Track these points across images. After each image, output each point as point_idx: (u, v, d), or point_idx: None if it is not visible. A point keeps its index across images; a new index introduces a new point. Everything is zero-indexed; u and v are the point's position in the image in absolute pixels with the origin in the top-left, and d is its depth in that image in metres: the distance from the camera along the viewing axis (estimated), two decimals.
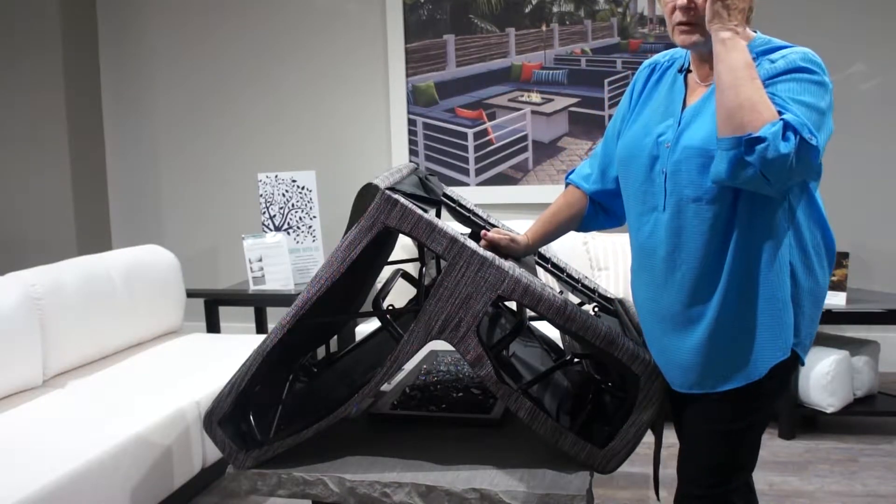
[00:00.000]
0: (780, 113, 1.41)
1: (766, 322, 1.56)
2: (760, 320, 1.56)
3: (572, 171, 1.95)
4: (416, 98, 4.44)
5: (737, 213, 1.54)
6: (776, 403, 1.67)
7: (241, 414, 1.88)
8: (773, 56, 1.53)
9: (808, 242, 1.58)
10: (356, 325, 3.68)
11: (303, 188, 4.02)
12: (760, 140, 1.38)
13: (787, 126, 1.38)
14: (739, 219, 1.54)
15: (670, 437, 1.93)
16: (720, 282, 1.56)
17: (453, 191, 2.17)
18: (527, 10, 4.29)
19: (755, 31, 1.61)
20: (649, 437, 1.76)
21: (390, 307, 2.02)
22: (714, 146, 1.50)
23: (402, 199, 1.70)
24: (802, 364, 1.64)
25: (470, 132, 4.40)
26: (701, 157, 1.53)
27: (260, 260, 3.84)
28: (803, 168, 1.42)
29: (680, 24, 1.57)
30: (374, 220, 1.70)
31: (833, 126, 1.53)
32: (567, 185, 1.95)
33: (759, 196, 1.51)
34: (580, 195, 1.91)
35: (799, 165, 1.40)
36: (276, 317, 4.50)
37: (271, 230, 3.99)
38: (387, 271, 3.18)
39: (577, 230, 1.95)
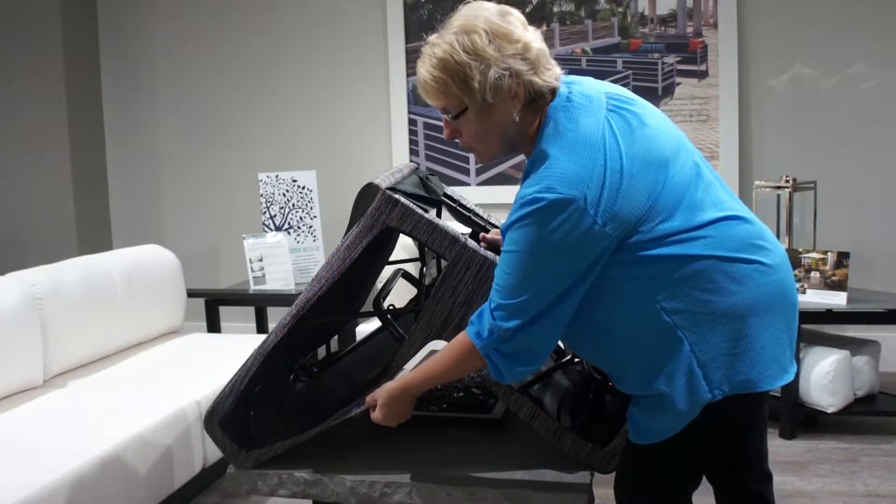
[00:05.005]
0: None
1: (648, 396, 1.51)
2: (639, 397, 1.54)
3: None
4: (416, 98, 4.44)
5: (594, 311, 1.50)
6: (711, 443, 1.57)
7: (241, 414, 1.88)
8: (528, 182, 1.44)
9: (681, 293, 1.44)
10: (357, 325, 3.68)
11: (303, 188, 4.02)
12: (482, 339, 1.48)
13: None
14: (598, 312, 1.50)
15: None
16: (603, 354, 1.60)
17: (454, 191, 2.16)
18: (527, 10, 4.29)
19: (567, 87, 1.60)
20: None
21: (391, 307, 2.01)
22: None
23: (402, 199, 1.70)
24: (766, 392, 1.50)
25: None
26: None
27: (260, 260, 3.84)
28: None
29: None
30: (375, 219, 1.70)
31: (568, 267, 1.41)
32: None
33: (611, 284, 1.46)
34: None
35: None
36: (277, 317, 4.50)
37: (272, 230, 3.99)
38: (387, 271, 3.16)
39: None
